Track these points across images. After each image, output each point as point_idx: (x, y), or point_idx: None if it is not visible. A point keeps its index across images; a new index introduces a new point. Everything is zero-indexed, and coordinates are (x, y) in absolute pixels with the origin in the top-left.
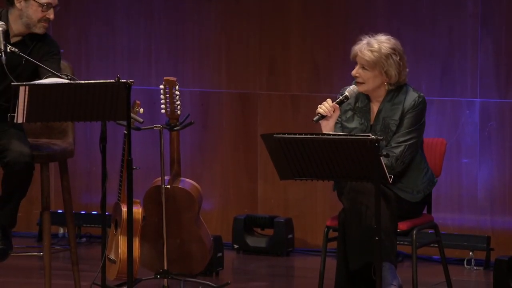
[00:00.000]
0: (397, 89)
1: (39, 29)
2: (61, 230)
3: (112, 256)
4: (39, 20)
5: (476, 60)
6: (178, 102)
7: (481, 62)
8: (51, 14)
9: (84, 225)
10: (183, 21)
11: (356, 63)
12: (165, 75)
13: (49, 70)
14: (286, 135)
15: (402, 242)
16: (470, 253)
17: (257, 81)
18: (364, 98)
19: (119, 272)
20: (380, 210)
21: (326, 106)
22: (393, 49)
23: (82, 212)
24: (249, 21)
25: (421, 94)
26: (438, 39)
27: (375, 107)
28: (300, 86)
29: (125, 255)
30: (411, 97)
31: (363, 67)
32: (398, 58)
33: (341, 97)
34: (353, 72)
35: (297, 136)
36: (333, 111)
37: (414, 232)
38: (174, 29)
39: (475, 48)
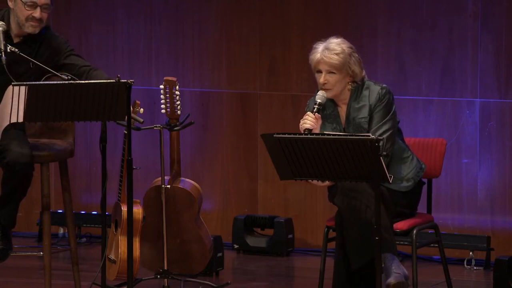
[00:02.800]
0: (359, 86)
1: (28, 28)
2: (61, 230)
3: (112, 256)
4: (26, 19)
5: (476, 60)
6: (178, 102)
7: (481, 62)
8: (37, 13)
9: (84, 225)
10: (183, 21)
11: (317, 72)
12: (165, 75)
13: (56, 73)
14: (286, 135)
15: (402, 242)
16: (470, 253)
17: (257, 81)
18: (330, 104)
19: (119, 272)
20: (379, 210)
21: (310, 120)
22: (351, 47)
23: (82, 212)
24: (249, 21)
25: (384, 85)
26: (438, 39)
27: (342, 110)
28: (300, 86)
29: (125, 255)
30: (374, 91)
31: (329, 72)
32: (356, 54)
33: (316, 106)
34: (321, 81)
35: (297, 136)
36: (317, 122)
37: (414, 232)
38: (174, 29)
39: (475, 48)
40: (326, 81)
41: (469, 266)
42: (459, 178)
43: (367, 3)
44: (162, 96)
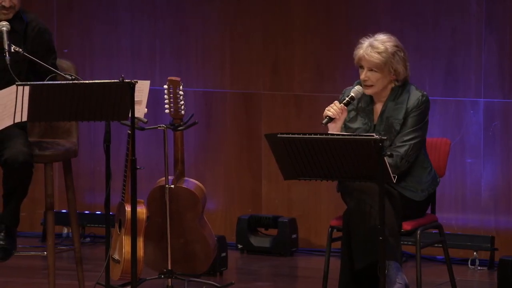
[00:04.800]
0: (400, 88)
1: (0, 16)
2: (65, 230)
3: (116, 256)
4: None
5: (480, 60)
6: (182, 102)
7: (485, 62)
8: (5, 2)
9: (88, 225)
10: (186, 21)
11: (360, 67)
12: (168, 75)
13: (52, 69)
14: (290, 135)
15: (406, 242)
16: (474, 253)
17: (260, 81)
18: (367, 98)
19: (123, 272)
20: (384, 210)
21: (334, 109)
22: (396, 46)
23: (86, 212)
24: (252, 20)
25: (424, 93)
26: (441, 39)
27: (378, 107)
28: (303, 86)
29: (129, 255)
30: (415, 96)
31: (371, 70)
32: (402, 53)
33: (347, 99)
34: (362, 77)
35: (301, 136)
36: (341, 113)
37: (418, 232)
38: (177, 29)
39: (479, 48)
40: (367, 78)
41: (473, 266)
42: (463, 178)
43: (369, 3)
44: (166, 96)
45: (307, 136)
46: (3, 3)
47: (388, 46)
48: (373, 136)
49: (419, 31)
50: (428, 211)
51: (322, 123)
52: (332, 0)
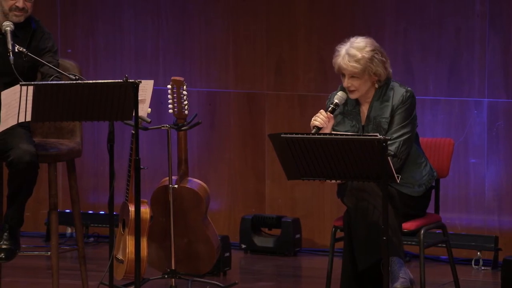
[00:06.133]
0: (384, 86)
1: (12, 18)
2: (69, 230)
3: (119, 256)
4: (10, 9)
5: (483, 60)
6: (186, 102)
7: (488, 62)
8: (20, 2)
9: (92, 224)
10: (190, 21)
11: (341, 75)
12: (172, 75)
13: (56, 69)
14: (294, 135)
15: (409, 242)
16: (478, 253)
17: (264, 80)
18: (352, 100)
19: (127, 272)
20: (387, 210)
21: (321, 118)
22: (373, 49)
23: (90, 212)
24: (256, 20)
25: (409, 88)
26: (445, 39)
27: (364, 108)
28: (307, 86)
29: (133, 255)
30: (399, 93)
31: (352, 77)
32: (380, 55)
33: (332, 106)
34: (345, 84)
35: (305, 136)
36: (328, 121)
37: (422, 232)
38: (181, 29)
39: (482, 48)
40: (349, 85)
41: (476, 266)
42: (466, 178)
43: (374, 2)
44: (169, 96)
45: (310, 136)
46: (17, 4)
47: (364, 52)
48: (376, 136)
49: (423, 31)
50: (432, 211)
51: (311, 134)
52: (336, 0)
